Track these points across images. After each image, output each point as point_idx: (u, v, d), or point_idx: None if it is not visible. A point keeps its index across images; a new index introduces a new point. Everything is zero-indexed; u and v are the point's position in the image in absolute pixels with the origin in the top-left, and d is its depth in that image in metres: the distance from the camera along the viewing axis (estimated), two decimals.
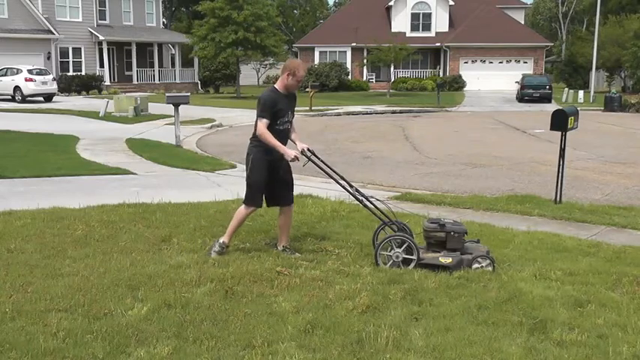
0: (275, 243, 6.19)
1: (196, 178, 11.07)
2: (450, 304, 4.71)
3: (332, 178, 6.05)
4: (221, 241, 5.89)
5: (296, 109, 6.14)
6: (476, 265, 5.53)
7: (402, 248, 5.60)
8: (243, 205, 5.94)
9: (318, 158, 5.99)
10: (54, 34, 36.87)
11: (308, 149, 5.94)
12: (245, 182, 5.94)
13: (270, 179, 5.84)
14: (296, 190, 8.92)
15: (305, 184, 9.67)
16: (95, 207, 7.83)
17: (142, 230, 6.73)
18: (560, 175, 8.80)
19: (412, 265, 5.56)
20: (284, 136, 5.81)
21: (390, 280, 5.17)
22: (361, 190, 6.35)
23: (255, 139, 5.78)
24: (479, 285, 5.13)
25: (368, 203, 5.97)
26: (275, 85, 5.82)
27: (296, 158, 5.61)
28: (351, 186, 6.06)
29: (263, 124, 5.61)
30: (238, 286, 4.97)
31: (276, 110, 5.67)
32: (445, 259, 5.53)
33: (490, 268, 5.53)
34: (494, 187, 10.72)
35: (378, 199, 6.21)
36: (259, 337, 4.04)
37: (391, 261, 5.60)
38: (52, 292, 4.77)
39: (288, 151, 5.61)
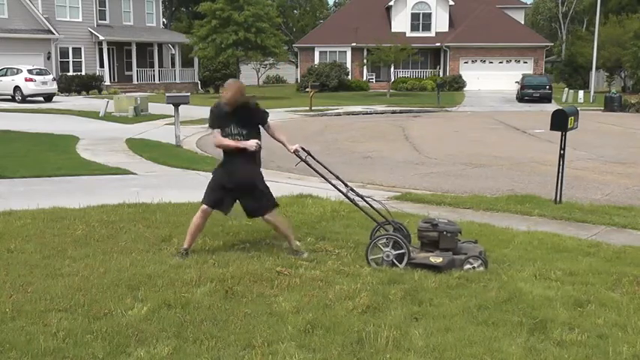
0: (278, 243, 6.19)
1: (196, 178, 11.07)
2: (450, 304, 4.71)
3: (323, 178, 6.03)
4: (184, 246, 5.92)
5: (296, 109, 6.19)
6: (467, 266, 5.51)
7: (391, 246, 5.59)
8: None
9: (313, 158, 5.99)
10: (54, 34, 36.84)
11: (302, 148, 5.95)
12: None
13: (235, 190, 5.88)
14: (296, 190, 9.00)
15: (305, 184, 9.67)
16: (95, 207, 7.83)
17: (142, 230, 6.74)
18: (560, 175, 8.80)
19: (404, 262, 5.53)
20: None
21: (390, 280, 5.17)
22: (361, 190, 6.35)
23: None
24: (479, 285, 5.13)
25: (360, 203, 5.95)
26: (220, 100, 5.99)
27: (258, 145, 5.73)
28: (346, 185, 6.05)
29: (215, 132, 5.87)
30: (238, 286, 4.97)
31: (220, 123, 5.87)
32: (436, 259, 5.52)
33: (482, 269, 5.51)
34: (494, 187, 10.72)
35: (374, 199, 6.20)
36: (259, 337, 4.04)
37: (384, 262, 5.60)
38: (52, 292, 4.77)
39: (248, 143, 5.71)
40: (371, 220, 6.01)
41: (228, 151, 5.85)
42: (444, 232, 5.63)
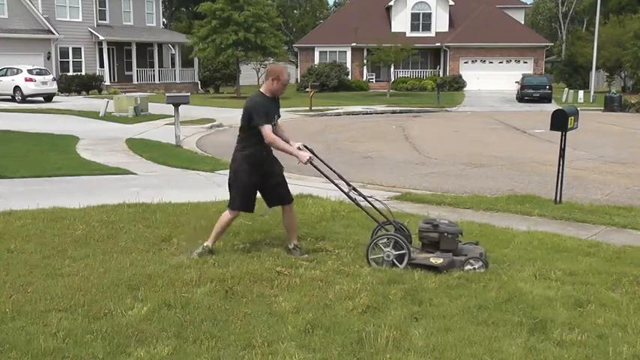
0: (278, 242, 6.19)
1: (196, 178, 11.07)
2: (450, 304, 4.71)
3: (325, 177, 6.03)
4: (205, 244, 5.88)
5: (296, 109, 6.19)
6: (468, 267, 5.51)
7: (392, 246, 5.59)
8: (227, 210, 5.92)
9: (317, 157, 5.99)
10: (54, 34, 36.85)
11: (305, 146, 5.95)
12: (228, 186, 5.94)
13: (262, 182, 5.84)
14: (296, 190, 8.96)
15: (305, 184, 9.66)
16: (95, 207, 7.83)
17: (142, 230, 6.74)
18: (560, 175, 8.80)
19: (404, 262, 5.53)
20: None
21: (390, 280, 5.17)
22: (361, 190, 6.34)
23: (242, 145, 5.81)
24: (479, 285, 5.13)
25: (362, 203, 5.96)
26: (261, 90, 5.86)
27: (310, 161, 5.62)
28: (348, 185, 6.05)
29: (268, 129, 5.63)
30: (238, 286, 4.97)
31: (270, 116, 5.72)
32: (436, 260, 5.52)
33: (482, 270, 5.51)
34: (494, 187, 10.72)
35: (376, 199, 6.20)
36: (259, 337, 4.04)
37: (385, 262, 5.60)
38: (52, 292, 4.77)
39: (302, 154, 5.64)
40: (371, 220, 6.00)
41: (259, 144, 5.71)
42: (445, 234, 5.63)
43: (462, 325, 4.32)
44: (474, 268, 5.50)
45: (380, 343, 3.98)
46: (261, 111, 5.66)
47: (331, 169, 6.15)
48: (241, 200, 5.86)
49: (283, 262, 5.64)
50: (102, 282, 5.02)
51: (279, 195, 5.98)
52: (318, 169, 5.98)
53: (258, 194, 5.99)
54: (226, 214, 5.92)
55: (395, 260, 5.56)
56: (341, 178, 6.15)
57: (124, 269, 5.36)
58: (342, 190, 6.01)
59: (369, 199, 6.07)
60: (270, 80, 5.77)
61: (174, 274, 5.24)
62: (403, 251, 5.55)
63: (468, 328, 4.25)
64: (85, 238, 6.41)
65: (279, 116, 5.96)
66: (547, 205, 8.75)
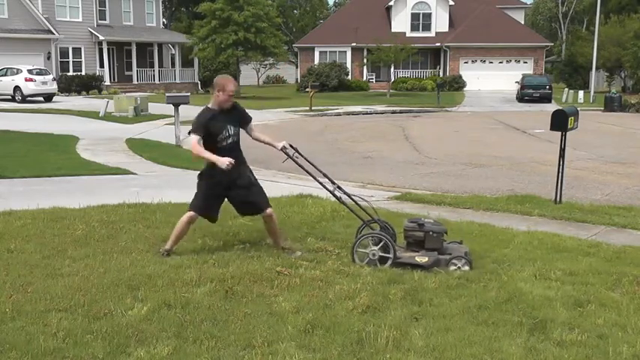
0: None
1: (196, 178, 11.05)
2: (450, 304, 4.71)
3: (310, 175, 6.03)
4: (166, 247, 5.88)
5: (296, 109, 6.18)
6: (452, 267, 5.54)
7: (379, 246, 5.60)
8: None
9: (301, 155, 5.99)
10: (54, 34, 36.85)
11: (290, 145, 5.94)
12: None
13: (224, 192, 5.85)
14: (296, 190, 8.99)
15: (305, 184, 9.66)
16: (95, 207, 7.83)
17: (142, 230, 6.74)
18: (560, 175, 8.80)
19: (388, 263, 5.56)
20: (230, 151, 5.70)
21: (390, 280, 5.17)
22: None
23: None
24: (479, 285, 5.13)
25: (346, 201, 5.96)
26: (208, 105, 5.81)
27: (230, 164, 5.50)
28: (333, 183, 6.05)
29: (194, 140, 5.64)
30: (238, 286, 4.97)
31: (211, 127, 5.64)
32: (421, 259, 5.55)
33: (467, 268, 5.52)
34: (494, 187, 10.72)
35: (361, 198, 6.20)
36: (259, 337, 4.04)
37: (367, 258, 5.61)
38: (52, 292, 4.77)
39: (221, 160, 5.51)
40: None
41: (220, 151, 5.71)
42: (430, 232, 5.65)
43: (462, 325, 4.32)
44: (458, 267, 5.53)
45: (380, 343, 3.98)
46: (196, 122, 5.69)
47: (315, 167, 6.13)
48: (199, 204, 5.94)
49: (283, 262, 5.64)
50: (102, 282, 5.02)
51: (247, 202, 5.99)
52: (303, 168, 5.97)
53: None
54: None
55: (380, 258, 5.58)
56: (325, 176, 6.14)
57: (124, 269, 5.36)
58: (327, 189, 6.02)
59: (354, 197, 6.08)
60: (216, 92, 5.70)
61: (174, 274, 5.24)
62: (389, 255, 5.57)
63: (468, 328, 4.25)
64: (85, 238, 6.41)
65: (236, 128, 5.82)
66: (547, 205, 8.75)
